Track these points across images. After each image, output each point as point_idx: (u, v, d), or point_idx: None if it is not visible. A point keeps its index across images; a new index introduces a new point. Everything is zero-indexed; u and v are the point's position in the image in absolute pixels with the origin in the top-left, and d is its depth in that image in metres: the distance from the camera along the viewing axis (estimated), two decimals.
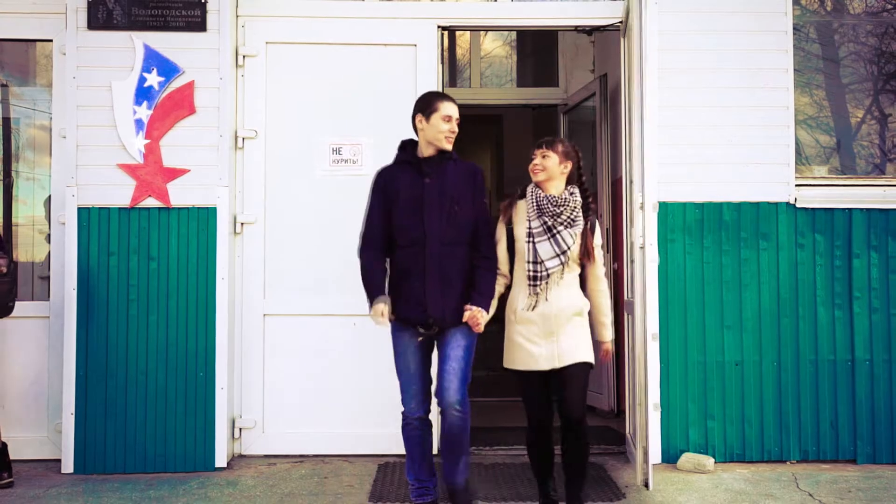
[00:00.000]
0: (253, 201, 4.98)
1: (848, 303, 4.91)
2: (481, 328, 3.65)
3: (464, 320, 3.61)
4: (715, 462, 4.77)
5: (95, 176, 4.74)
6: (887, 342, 4.90)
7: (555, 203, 3.61)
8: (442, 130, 3.67)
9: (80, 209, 4.71)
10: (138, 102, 4.75)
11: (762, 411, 4.87)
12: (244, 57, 4.99)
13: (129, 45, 4.78)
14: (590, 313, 3.77)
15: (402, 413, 3.76)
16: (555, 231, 3.60)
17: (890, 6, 5.41)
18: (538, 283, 3.59)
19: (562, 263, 3.60)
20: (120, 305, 4.73)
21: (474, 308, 3.60)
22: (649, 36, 4.47)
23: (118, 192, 4.74)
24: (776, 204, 4.91)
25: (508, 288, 3.78)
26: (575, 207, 3.65)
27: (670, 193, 4.88)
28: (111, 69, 4.76)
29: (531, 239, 3.62)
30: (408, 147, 3.82)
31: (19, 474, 4.55)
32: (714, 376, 4.87)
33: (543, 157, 3.68)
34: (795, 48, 5.05)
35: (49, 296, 4.89)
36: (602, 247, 3.86)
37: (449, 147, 3.72)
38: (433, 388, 3.73)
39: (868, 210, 4.93)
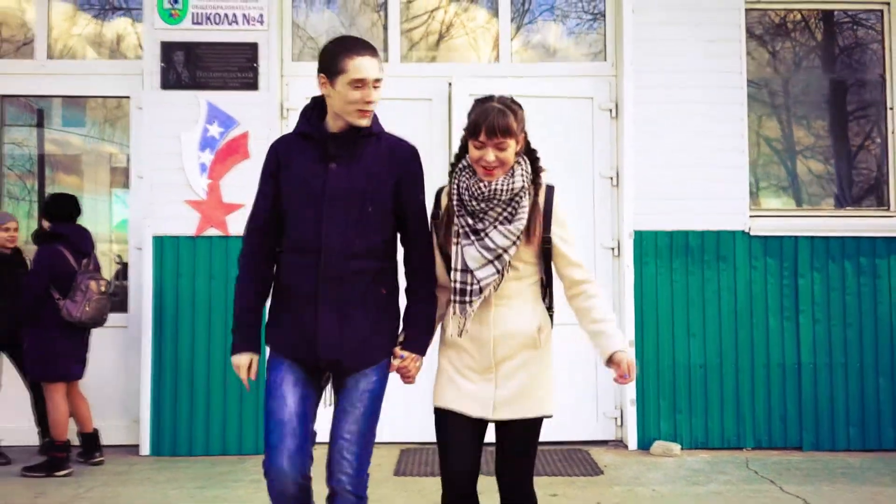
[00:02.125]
0: None
1: (795, 315, 5.94)
2: (413, 380, 2.79)
3: (393, 369, 2.76)
4: (681, 448, 5.79)
5: (167, 210, 5.82)
6: (828, 348, 5.92)
7: (480, 196, 2.67)
8: (352, 100, 2.64)
9: (154, 238, 5.79)
10: (202, 149, 5.84)
11: (722, 406, 5.90)
12: (287, 110, 6.07)
13: (195, 102, 5.87)
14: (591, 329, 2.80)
15: (266, 470, 2.67)
16: (482, 232, 2.68)
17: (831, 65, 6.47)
18: (467, 298, 2.68)
19: (498, 272, 2.66)
20: (187, 317, 5.80)
21: (406, 355, 2.74)
22: (628, 116, 5.55)
23: (185, 224, 5.82)
24: (733, 232, 5.95)
25: None
26: (514, 195, 2.68)
27: (645, 223, 5.93)
28: (180, 122, 5.85)
29: (458, 240, 2.71)
30: (313, 111, 2.79)
31: (106, 455, 5.62)
32: (681, 377, 5.90)
33: (500, 148, 2.65)
34: (750, 99, 6.11)
35: (127, 309, 5.99)
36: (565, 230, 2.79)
37: (363, 123, 2.69)
38: (323, 453, 2.75)
39: (812, 237, 5.96)
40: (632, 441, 5.84)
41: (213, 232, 5.83)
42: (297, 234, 2.71)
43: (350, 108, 2.65)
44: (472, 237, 2.68)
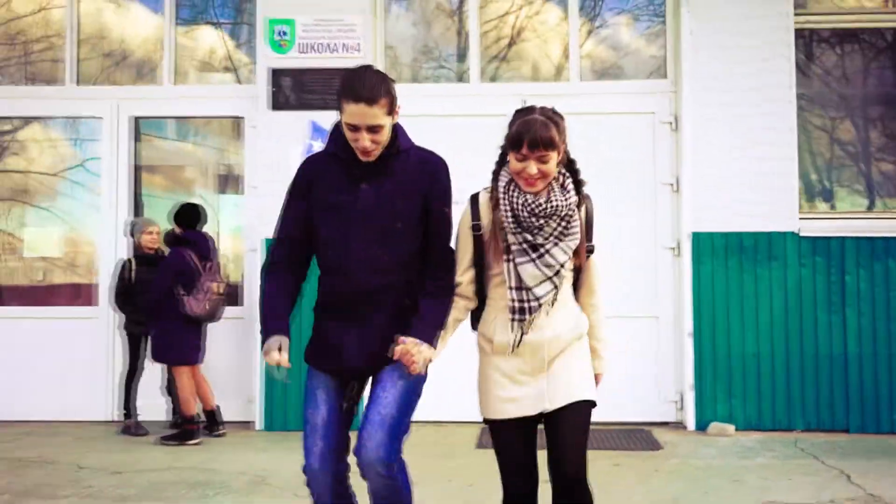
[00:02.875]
0: None
1: (842, 309, 6.52)
2: (419, 368, 2.70)
3: (393, 356, 2.68)
4: (736, 429, 6.42)
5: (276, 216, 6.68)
6: (872, 339, 6.48)
7: (538, 212, 2.68)
8: (349, 138, 2.70)
9: (265, 240, 6.64)
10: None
11: (774, 392, 6.52)
12: None
13: (300, 120, 6.74)
14: None
15: (304, 472, 2.85)
16: (541, 249, 2.70)
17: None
18: (526, 316, 2.72)
19: (556, 287, 2.72)
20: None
21: (408, 340, 2.68)
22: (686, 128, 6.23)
23: None
24: (784, 233, 6.56)
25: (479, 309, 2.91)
26: (568, 211, 2.71)
27: (702, 225, 6.59)
28: (288, 138, 6.72)
29: (511, 258, 2.73)
30: (341, 132, 2.78)
31: (226, 429, 6.52)
32: (736, 364, 6.53)
33: (543, 161, 2.67)
34: (799, 110, 6.70)
35: (241, 302, 6.90)
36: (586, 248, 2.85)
37: (366, 158, 2.72)
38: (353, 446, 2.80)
39: (857, 238, 6.54)
40: (690, 422, 6.50)
41: None
42: (329, 255, 2.78)
43: (350, 143, 2.70)
44: (532, 254, 2.69)
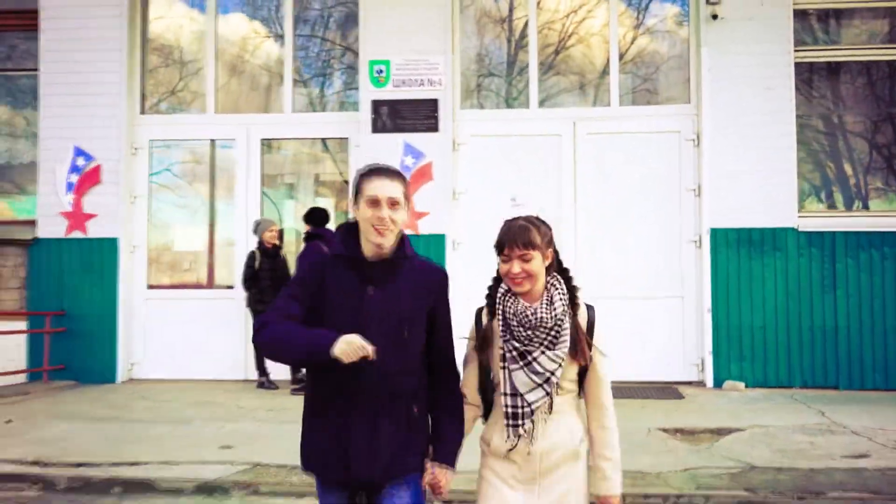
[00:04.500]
0: (462, 230, 8.67)
1: (833, 290, 8.16)
2: (446, 494, 2.82)
3: (424, 483, 2.79)
4: (745, 386, 8.11)
5: None
6: (858, 314, 8.12)
7: (526, 322, 2.77)
8: (366, 218, 2.73)
9: None
10: None
11: (777, 356, 8.19)
12: (458, 144, 8.70)
13: (395, 142, 8.57)
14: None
15: None
16: (529, 357, 2.79)
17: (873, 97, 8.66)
18: (519, 421, 2.79)
19: (548, 394, 2.78)
20: None
21: (436, 468, 2.79)
22: (706, 144, 7.98)
23: None
24: (785, 229, 8.23)
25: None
26: (557, 321, 2.77)
27: (718, 222, 8.28)
28: (385, 156, 8.53)
29: (505, 364, 2.81)
30: (349, 234, 2.85)
31: None
32: (746, 335, 8.22)
33: (525, 259, 2.78)
34: (798, 128, 8.36)
35: None
36: (596, 352, 2.85)
37: (381, 241, 2.73)
38: None
39: (846, 232, 8.19)
40: (709, 381, 8.21)
41: (409, 232, 8.49)
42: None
43: (367, 225, 2.70)
44: (521, 362, 2.75)
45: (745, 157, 8.27)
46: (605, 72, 8.83)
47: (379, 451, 2.72)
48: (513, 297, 2.81)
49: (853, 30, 8.67)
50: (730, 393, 7.91)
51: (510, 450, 2.79)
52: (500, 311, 2.82)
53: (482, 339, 2.88)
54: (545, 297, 2.79)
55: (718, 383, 8.18)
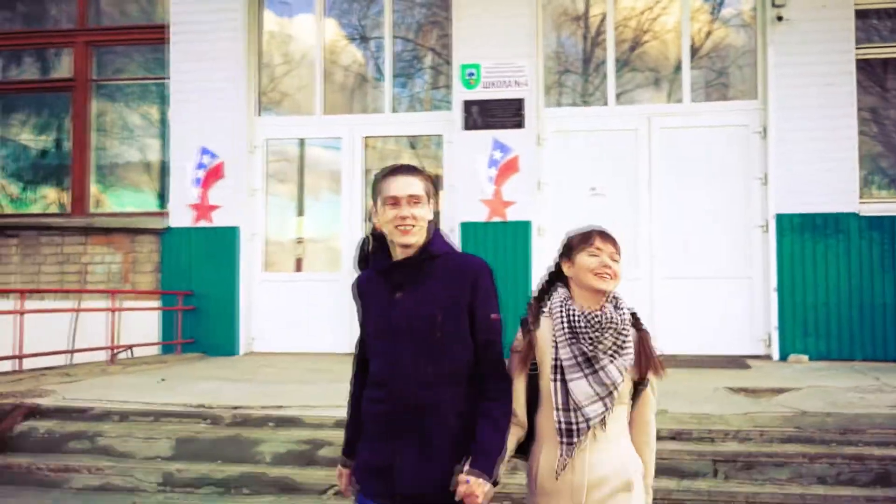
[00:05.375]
0: (546, 217, 9.61)
1: (892, 270, 8.87)
2: None
3: (457, 498, 2.57)
4: (809, 359, 8.89)
5: (468, 206, 9.54)
6: None
7: (595, 324, 2.66)
8: (389, 219, 2.71)
9: (461, 224, 9.51)
10: (489, 167, 9.52)
11: (840, 332, 8.94)
12: (542, 139, 9.65)
13: (484, 138, 9.56)
14: None
15: None
16: (596, 364, 2.65)
17: None
18: (574, 439, 2.63)
19: (607, 409, 2.63)
20: None
21: (471, 478, 2.56)
22: (771, 136, 8.79)
23: (479, 214, 9.51)
24: (847, 214, 8.97)
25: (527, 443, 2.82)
26: (624, 325, 2.70)
27: (784, 208, 9.06)
28: (475, 150, 9.56)
29: (559, 375, 2.67)
30: (381, 247, 2.84)
31: None
32: (810, 311, 8.98)
33: (613, 258, 2.76)
34: (860, 120, 9.08)
35: None
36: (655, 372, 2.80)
37: (407, 240, 2.71)
38: None
39: None
40: (775, 354, 9.00)
41: (496, 219, 9.51)
42: (374, 368, 2.74)
43: (390, 226, 2.69)
44: (586, 370, 2.63)
45: (809, 147, 9.02)
46: (677, 68, 9.67)
47: (427, 466, 2.62)
48: (573, 302, 2.74)
49: None
50: (794, 365, 8.70)
51: (560, 471, 2.63)
52: (562, 314, 2.71)
53: (528, 345, 2.73)
54: (609, 304, 2.74)
55: (784, 356, 8.97)
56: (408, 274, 2.74)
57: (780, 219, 9.06)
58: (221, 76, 10.01)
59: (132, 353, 9.63)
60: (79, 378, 7.45)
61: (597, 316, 2.67)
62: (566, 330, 2.69)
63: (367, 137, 10.17)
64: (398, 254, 2.76)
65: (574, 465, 2.65)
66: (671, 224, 9.39)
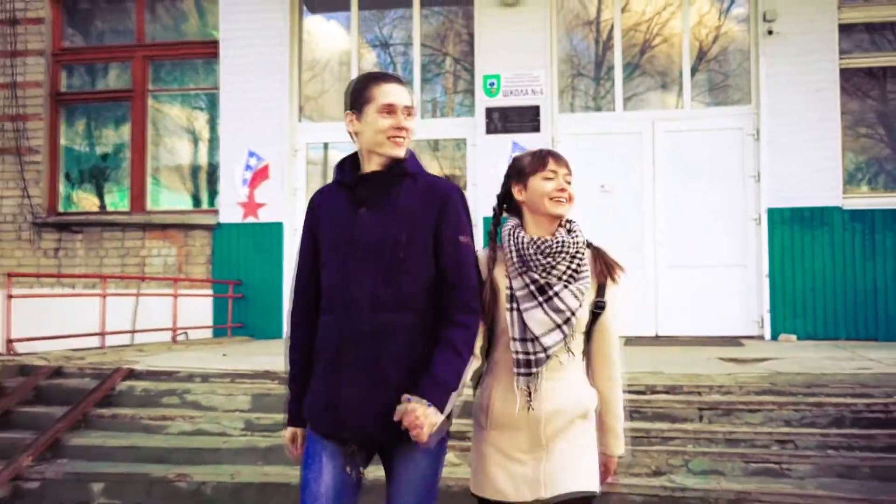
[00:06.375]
0: None
1: (873, 258, 9.94)
2: (424, 436, 2.38)
3: (395, 418, 2.39)
4: (797, 338, 9.96)
5: (489, 203, 10.61)
6: (894, 278, 9.90)
7: (546, 250, 2.58)
8: (382, 129, 2.54)
9: (484, 218, 10.64)
10: None
11: (825, 314, 10.01)
12: (556, 142, 10.75)
13: (504, 141, 10.68)
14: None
15: None
16: (549, 291, 2.55)
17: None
18: (532, 369, 2.54)
19: (565, 337, 2.55)
20: None
21: (412, 400, 2.39)
22: (763, 138, 9.89)
23: None
24: (832, 207, 10.04)
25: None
26: (576, 250, 2.62)
27: (775, 203, 10.14)
28: (496, 153, 10.67)
29: (515, 305, 2.57)
30: (347, 162, 2.70)
31: None
32: (799, 296, 10.06)
33: (567, 180, 2.69)
34: (843, 124, 10.15)
35: None
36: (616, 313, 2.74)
37: (400, 152, 2.58)
38: None
39: (884, 210, 9.95)
40: (767, 335, 10.09)
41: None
42: (327, 290, 2.58)
43: (381, 136, 2.54)
44: (539, 297, 2.54)
45: (797, 148, 10.10)
46: (679, 75, 10.77)
47: (377, 400, 2.47)
48: (522, 230, 2.69)
49: (894, 38, 10.41)
50: (783, 343, 9.78)
51: (527, 407, 2.58)
52: (510, 243, 2.64)
53: (485, 285, 2.66)
54: (563, 228, 2.70)
55: (775, 336, 10.06)
56: (374, 189, 2.60)
57: (772, 212, 10.14)
58: (267, 86, 11.18)
59: (188, 335, 10.79)
60: (152, 353, 8.60)
61: (547, 241, 2.62)
62: (515, 259, 2.63)
63: None
64: (367, 167, 2.63)
65: (532, 396, 2.59)
66: (673, 218, 10.47)
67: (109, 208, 11.94)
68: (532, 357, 2.58)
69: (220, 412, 6.55)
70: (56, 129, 11.86)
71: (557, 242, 2.64)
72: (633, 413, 6.05)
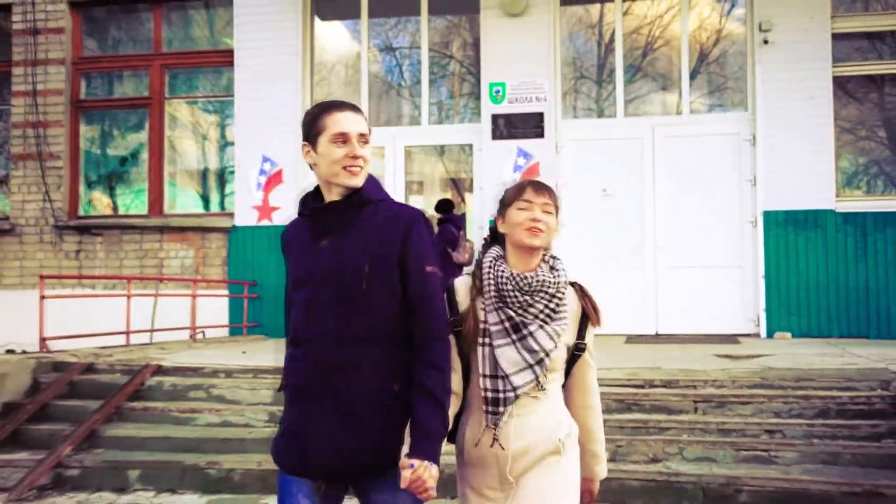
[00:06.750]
0: (562, 215, 11.12)
1: (865, 258, 10.36)
2: (432, 494, 2.38)
3: (403, 486, 2.35)
4: (792, 336, 10.39)
5: (495, 206, 11.07)
6: (885, 278, 10.30)
7: (525, 287, 2.53)
8: (336, 159, 2.49)
9: (490, 220, 11.07)
10: (514, 172, 11.07)
11: (818, 312, 10.44)
12: (559, 147, 11.19)
13: (510, 147, 11.11)
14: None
15: None
16: (524, 330, 2.50)
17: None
18: (500, 408, 2.49)
19: (536, 378, 2.50)
20: None
21: (416, 462, 2.34)
22: (759, 143, 10.32)
23: None
24: (826, 210, 10.46)
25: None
26: (557, 290, 2.57)
27: (770, 206, 10.57)
28: (501, 158, 11.11)
29: (487, 341, 2.52)
30: (309, 195, 2.66)
31: None
32: (793, 295, 10.49)
33: (546, 210, 2.60)
34: (837, 129, 10.57)
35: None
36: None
37: (356, 182, 2.52)
38: None
39: (875, 212, 10.37)
40: (763, 333, 10.51)
41: None
42: (295, 322, 2.55)
43: (336, 167, 2.51)
44: (513, 335, 2.50)
45: (792, 153, 10.53)
46: (678, 81, 11.20)
47: (345, 437, 2.42)
48: (503, 261, 2.63)
49: (884, 47, 10.84)
50: (778, 340, 10.21)
51: (492, 444, 2.53)
52: (490, 276, 2.58)
53: (465, 317, 2.59)
54: (546, 265, 2.62)
55: (770, 334, 10.48)
56: (336, 219, 2.55)
57: (767, 215, 10.57)
58: (280, 93, 11.62)
59: (205, 333, 11.23)
60: (174, 350, 9.05)
61: (526, 279, 2.55)
62: (493, 294, 2.56)
63: (407, 147, 11.76)
64: (334, 197, 2.59)
65: (499, 434, 2.53)
66: (673, 220, 10.90)
67: (128, 212, 12.38)
68: (501, 395, 2.52)
69: (244, 405, 6.99)
70: (76, 135, 12.32)
71: (537, 281, 2.58)
72: (633, 406, 6.51)
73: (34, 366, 7.54)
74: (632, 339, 10.44)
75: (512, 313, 2.54)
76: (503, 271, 2.59)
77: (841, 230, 10.43)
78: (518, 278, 2.56)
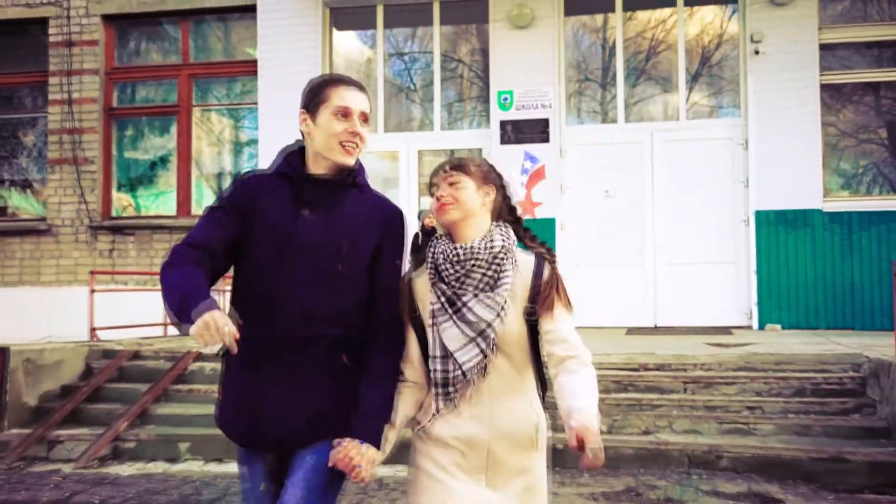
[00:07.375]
0: (568, 215, 11.91)
1: (850, 255, 11.10)
2: (364, 475, 2.35)
3: (330, 464, 2.35)
4: (782, 328, 11.13)
5: None
6: (870, 273, 11.03)
7: (452, 257, 2.45)
8: (335, 132, 2.46)
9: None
10: (521, 175, 11.85)
11: (807, 305, 11.18)
12: (564, 151, 11.96)
13: (517, 151, 11.89)
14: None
15: None
16: (458, 302, 2.43)
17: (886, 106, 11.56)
18: (450, 389, 2.43)
19: (484, 354, 2.41)
20: None
21: (346, 441, 2.36)
22: (752, 146, 11.09)
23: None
24: (813, 210, 11.21)
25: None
26: (496, 257, 2.46)
27: (762, 206, 11.32)
28: (510, 161, 11.87)
29: (433, 321, 2.46)
30: (294, 155, 2.58)
31: None
32: (783, 289, 11.23)
33: (451, 183, 2.52)
34: (823, 132, 11.32)
35: None
36: (565, 304, 2.53)
37: (349, 161, 2.49)
38: None
39: (860, 212, 11.11)
40: (754, 325, 11.26)
41: (527, 217, 11.83)
42: (255, 287, 2.44)
43: (333, 141, 2.47)
44: (450, 310, 2.44)
45: (782, 156, 11.28)
46: (676, 88, 11.96)
47: (297, 408, 2.42)
48: (445, 240, 2.56)
49: (867, 57, 11.59)
50: (769, 332, 10.96)
51: (450, 430, 2.47)
52: (429, 255, 2.55)
53: (408, 295, 2.57)
54: (486, 236, 2.53)
55: (762, 326, 11.23)
56: (321, 193, 2.50)
57: (759, 214, 11.32)
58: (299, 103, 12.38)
59: None
60: None
61: (456, 250, 2.48)
62: (431, 270, 2.54)
63: (420, 150, 12.55)
64: (315, 169, 2.54)
65: (475, 417, 2.49)
66: (671, 220, 11.65)
67: (159, 213, 13.19)
68: (449, 375, 2.45)
69: None
70: (109, 141, 13.15)
71: (467, 250, 2.49)
72: (629, 386, 7.28)
73: (86, 353, 8.36)
74: (632, 330, 11.17)
75: (444, 287, 2.48)
76: (440, 247, 2.56)
77: (828, 228, 11.17)
78: (449, 249, 2.51)
